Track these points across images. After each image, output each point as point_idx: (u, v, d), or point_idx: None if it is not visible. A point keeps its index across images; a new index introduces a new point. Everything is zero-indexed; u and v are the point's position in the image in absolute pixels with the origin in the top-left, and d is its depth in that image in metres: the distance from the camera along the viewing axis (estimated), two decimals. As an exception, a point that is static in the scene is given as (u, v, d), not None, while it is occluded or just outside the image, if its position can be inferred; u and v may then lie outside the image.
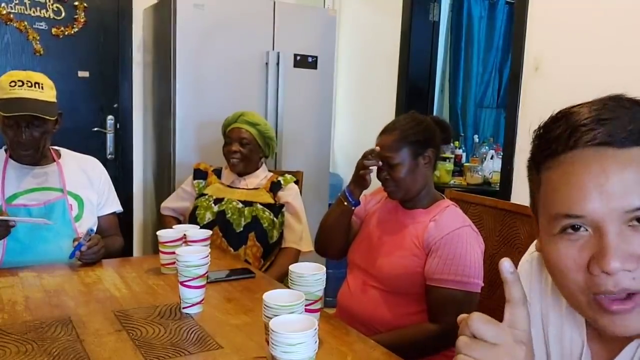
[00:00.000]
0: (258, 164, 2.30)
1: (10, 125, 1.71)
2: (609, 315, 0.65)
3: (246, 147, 2.22)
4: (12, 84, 1.70)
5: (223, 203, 2.17)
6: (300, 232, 2.22)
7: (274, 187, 2.23)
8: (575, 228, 0.66)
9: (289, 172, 2.37)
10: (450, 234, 1.50)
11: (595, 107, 0.67)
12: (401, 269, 1.54)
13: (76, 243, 1.69)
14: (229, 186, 2.26)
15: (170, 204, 2.34)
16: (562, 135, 0.67)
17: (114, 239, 1.94)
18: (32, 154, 1.78)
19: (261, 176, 2.29)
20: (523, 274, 0.85)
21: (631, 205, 0.63)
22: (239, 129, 2.22)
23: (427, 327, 1.48)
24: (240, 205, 2.16)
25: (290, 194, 2.23)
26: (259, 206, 2.17)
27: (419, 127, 1.59)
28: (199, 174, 2.31)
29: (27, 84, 1.71)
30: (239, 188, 2.25)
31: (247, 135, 2.22)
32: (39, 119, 1.72)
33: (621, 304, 0.63)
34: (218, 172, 2.33)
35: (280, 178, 2.26)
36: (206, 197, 2.21)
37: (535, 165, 0.72)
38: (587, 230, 0.65)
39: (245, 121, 2.24)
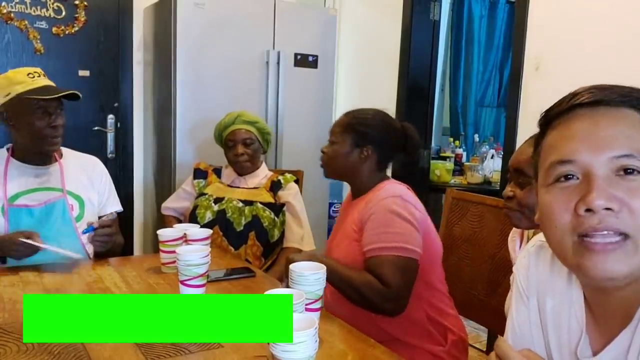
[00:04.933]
0: (259, 161, 2.31)
1: (40, 115, 1.72)
2: (591, 256, 0.68)
3: (250, 147, 2.22)
4: (31, 75, 1.74)
5: (223, 202, 2.17)
6: (301, 232, 2.22)
7: (275, 187, 2.23)
8: (567, 177, 0.70)
9: (289, 172, 2.36)
10: (375, 206, 1.52)
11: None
12: (346, 257, 1.54)
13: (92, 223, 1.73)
14: (229, 185, 2.26)
15: (171, 204, 2.34)
16: (562, 101, 0.74)
17: (114, 238, 1.94)
18: (60, 142, 1.81)
19: (261, 175, 2.29)
20: (521, 269, 0.88)
21: (618, 152, 0.67)
22: (240, 130, 2.22)
23: (374, 283, 1.43)
24: (241, 204, 2.16)
25: (290, 193, 2.23)
26: (260, 205, 2.17)
27: (373, 122, 1.63)
28: (199, 173, 2.31)
29: (42, 74, 1.78)
30: (239, 187, 2.25)
31: (249, 135, 2.22)
32: (62, 105, 1.77)
33: (605, 244, 0.67)
34: (218, 172, 2.32)
35: (280, 177, 2.26)
36: (206, 196, 2.21)
37: (539, 136, 0.78)
38: (578, 178, 0.70)
39: (244, 121, 2.23)
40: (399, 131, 1.66)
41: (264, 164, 2.35)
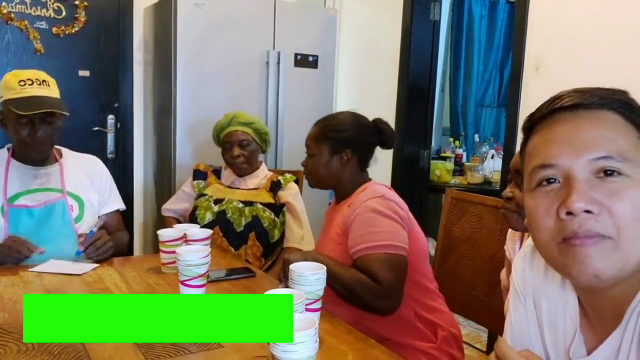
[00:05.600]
0: (258, 161, 2.31)
1: (24, 124, 1.71)
2: (575, 254, 0.68)
3: (247, 149, 2.21)
4: (22, 83, 1.71)
5: (223, 203, 2.17)
6: (301, 232, 2.22)
7: (274, 187, 2.23)
8: (549, 181, 0.71)
9: (289, 172, 2.36)
10: (358, 208, 1.53)
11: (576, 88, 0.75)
12: None
13: (82, 239, 1.71)
14: (229, 187, 2.26)
15: (171, 205, 2.35)
16: (544, 106, 0.75)
17: (120, 235, 1.96)
18: (46, 151, 1.80)
19: (261, 176, 2.28)
20: (518, 269, 0.89)
21: (597, 154, 0.68)
22: (236, 132, 2.21)
23: (367, 281, 1.43)
24: (241, 205, 2.16)
25: (290, 193, 2.23)
26: (260, 206, 2.17)
27: (345, 126, 1.64)
28: (199, 174, 2.31)
29: (36, 82, 1.73)
30: (239, 189, 2.25)
31: (245, 136, 2.21)
32: (51, 116, 1.73)
33: (583, 240, 0.68)
34: (218, 173, 2.32)
35: (280, 177, 2.26)
36: (206, 197, 2.21)
37: (523, 142, 0.79)
38: (559, 182, 0.71)
39: (239, 122, 2.22)
40: (372, 127, 1.68)
41: (263, 164, 2.35)
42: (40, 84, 1.73)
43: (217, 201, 2.19)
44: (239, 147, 2.20)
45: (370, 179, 1.69)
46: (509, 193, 1.32)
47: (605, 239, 0.67)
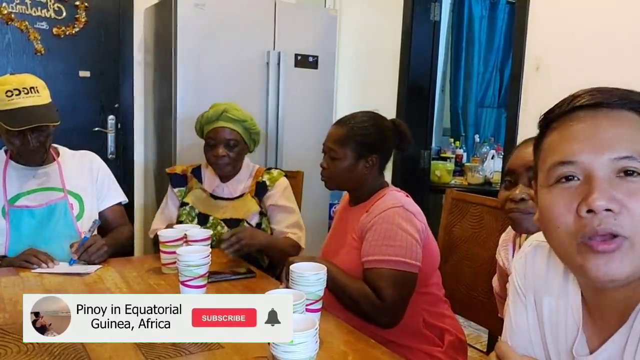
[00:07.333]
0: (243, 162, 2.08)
1: (16, 135, 1.69)
2: (595, 258, 0.68)
3: (234, 150, 1.95)
4: (9, 93, 1.66)
5: (207, 225, 1.95)
6: (294, 218, 2.01)
7: (260, 191, 2.03)
8: (569, 178, 0.71)
9: (289, 172, 2.32)
10: (377, 217, 1.50)
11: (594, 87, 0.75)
12: (346, 265, 1.52)
13: (74, 248, 1.70)
14: (211, 195, 2.03)
15: (158, 225, 2.06)
16: (563, 103, 0.75)
17: (121, 230, 1.93)
18: (41, 157, 1.80)
19: (245, 176, 2.06)
20: (518, 269, 0.89)
21: (619, 153, 0.68)
22: (224, 129, 1.94)
23: (371, 296, 1.43)
24: (226, 229, 1.94)
25: (275, 193, 2.02)
26: (246, 226, 1.95)
27: (372, 129, 1.58)
28: (177, 180, 2.06)
29: (23, 91, 1.67)
30: (222, 198, 2.03)
31: (234, 135, 1.94)
32: (41, 126, 1.71)
33: (605, 243, 0.67)
34: (198, 173, 2.08)
35: (266, 177, 2.04)
36: (187, 209, 2.00)
37: (539, 137, 0.78)
38: (579, 179, 0.70)
39: (229, 119, 1.94)
40: (393, 130, 1.64)
41: (247, 159, 2.10)
42: (27, 93, 1.67)
43: (200, 220, 1.98)
44: (225, 147, 1.94)
45: (387, 184, 1.65)
46: (524, 194, 1.23)
47: (624, 241, 0.67)
